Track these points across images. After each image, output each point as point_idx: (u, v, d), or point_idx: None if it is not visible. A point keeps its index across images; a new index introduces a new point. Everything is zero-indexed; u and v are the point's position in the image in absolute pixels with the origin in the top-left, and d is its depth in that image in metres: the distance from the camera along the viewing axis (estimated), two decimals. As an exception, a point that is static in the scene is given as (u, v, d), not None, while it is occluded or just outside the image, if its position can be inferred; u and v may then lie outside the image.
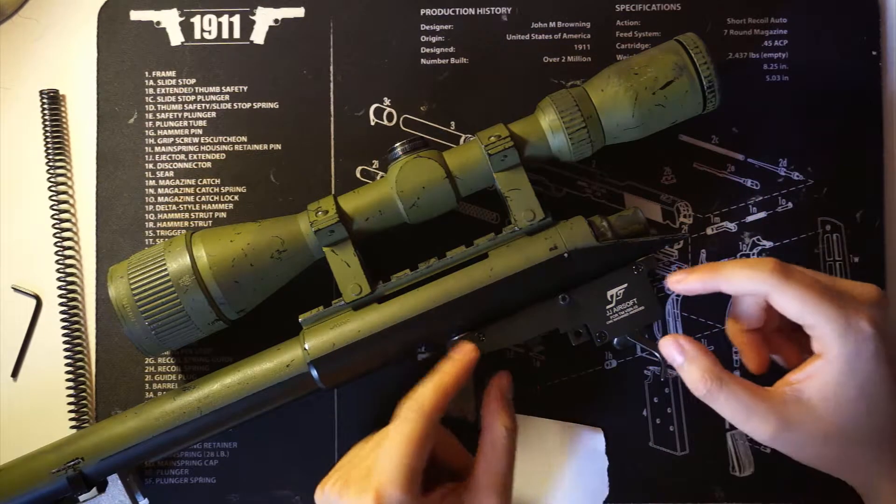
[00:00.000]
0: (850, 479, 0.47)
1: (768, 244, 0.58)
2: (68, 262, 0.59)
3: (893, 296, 0.58)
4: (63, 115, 0.60)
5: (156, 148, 0.59)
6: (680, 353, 0.47)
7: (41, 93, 0.60)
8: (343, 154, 0.59)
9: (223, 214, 0.59)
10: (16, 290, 0.60)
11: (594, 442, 0.57)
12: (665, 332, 0.58)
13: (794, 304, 0.44)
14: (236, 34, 0.60)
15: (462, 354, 0.49)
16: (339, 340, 0.51)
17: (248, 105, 0.60)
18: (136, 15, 0.60)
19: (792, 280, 0.44)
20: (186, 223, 0.59)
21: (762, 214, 0.58)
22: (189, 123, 0.60)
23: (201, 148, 0.59)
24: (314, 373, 0.51)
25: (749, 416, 0.45)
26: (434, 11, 0.59)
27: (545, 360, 0.58)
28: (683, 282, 0.49)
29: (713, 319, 0.58)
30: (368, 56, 0.59)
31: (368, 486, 0.45)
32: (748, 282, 0.46)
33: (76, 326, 0.59)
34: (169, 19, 0.60)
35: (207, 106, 0.60)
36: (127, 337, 0.52)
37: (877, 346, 0.43)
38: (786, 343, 0.51)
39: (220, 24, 0.60)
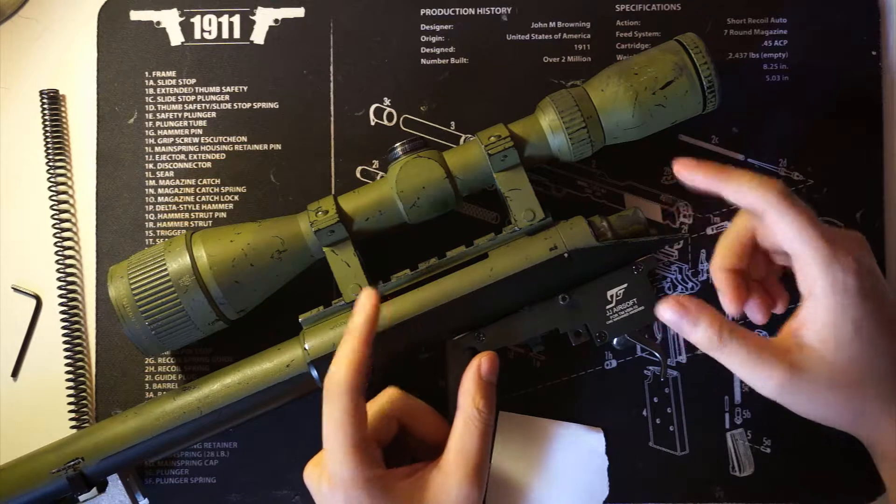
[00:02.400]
0: (857, 428, 0.46)
1: (768, 244, 0.58)
2: (68, 262, 0.59)
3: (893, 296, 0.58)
4: (63, 115, 0.60)
5: (156, 148, 0.59)
6: (682, 314, 0.46)
7: (41, 93, 0.60)
8: (343, 154, 0.59)
9: (223, 214, 0.59)
10: (16, 290, 0.60)
11: (594, 442, 0.57)
12: (665, 332, 0.58)
13: (786, 225, 0.44)
14: (236, 34, 0.60)
15: (363, 301, 0.48)
16: (339, 340, 0.50)
17: (248, 105, 0.60)
18: (136, 15, 0.60)
19: (793, 205, 0.44)
20: (186, 223, 0.59)
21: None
22: (189, 123, 0.60)
23: (201, 148, 0.59)
24: (314, 373, 0.51)
25: (756, 366, 0.44)
26: (434, 11, 0.59)
27: (545, 360, 0.58)
28: (690, 168, 0.47)
29: (713, 319, 0.58)
30: (368, 56, 0.59)
31: (324, 470, 0.47)
32: (752, 192, 0.45)
33: (76, 326, 0.59)
34: (169, 19, 0.60)
35: (207, 106, 0.60)
36: (127, 337, 0.52)
37: (861, 282, 0.43)
38: (764, 295, 0.51)
39: (220, 24, 0.60)
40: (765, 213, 0.45)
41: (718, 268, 0.50)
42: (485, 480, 0.48)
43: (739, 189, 0.45)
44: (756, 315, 0.50)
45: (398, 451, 0.51)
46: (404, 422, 0.51)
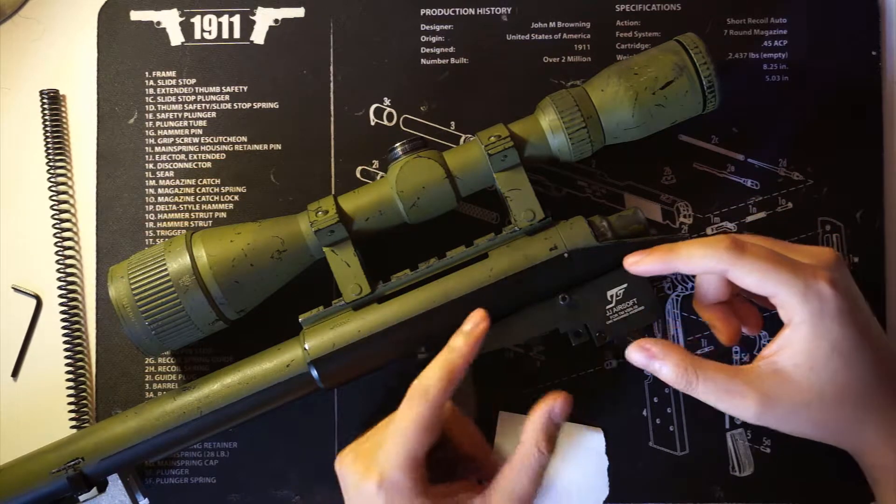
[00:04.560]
0: (841, 441, 0.47)
1: (768, 244, 0.58)
2: (68, 262, 0.59)
3: (893, 296, 0.58)
4: (63, 115, 0.60)
5: (156, 148, 0.59)
6: (649, 357, 0.47)
7: (41, 93, 0.60)
8: (343, 154, 0.59)
9: (223, 214, 0.59)
10: (16, 290, 0.60)
11: (594, 442, 0.57)
12: (665, 332, 0.58)
13: (751, 277, 0.45)
14: (236, 34, 0.60)
15: (473, 325, 0.49)
16: (339, 340, 0.51)
17: (248, 105, 0.60)
18: (136, 15, 0.60)
19: (747, 254, 0.44)
20: (186, 223, 0.59)
21: (762, 214, 0.58)
22: (189, 123, 0.60)
23: (201, 148, 0.59)
24: (314, 373, 0.51)
25: (730, 397, 0.45)
26: (434, 11, 0.59)
27: (545, 360, 0.58)
28: (640, 263, 0.48)
29: (713, 319, 0.58)
30: (368, 56, 0.59)
31: (372, 466, 0.46)
32: (704, 260, 0.46)
33: (76, 326, 0.59)
34: (169, 19, 0.60)
35: (207, 106, 0.60)
36: (127, 337, 0.52)
37: (839, 304, 0.44)
38: (752, 310, 0.52)
39: (220, 24, 0.60)
40: (726, 273, 0.45)
41: (702, 306, 0.51)
42: None
43: (690, 260, 0.46)
44: (750, 332, 0.52)
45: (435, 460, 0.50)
46: (445, 430, 0.50)
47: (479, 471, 0.50)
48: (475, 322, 0.49)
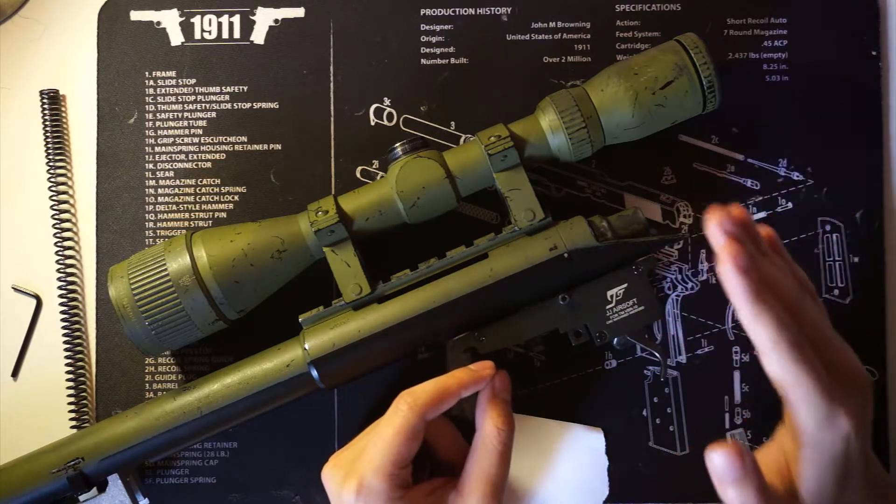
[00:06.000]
0: None
1: (768, 244, 0.58)
2: (68, 262, 0.59)
3: (893, 296, 0.58)
4: (63, 115, 0.60)
5: (156, 148, 0.59)
6: (738, 470, 0.41)
7: (41, 93, 0.60)
8: (343, 154, 0.59)
9: (223, 214, 0.59)
10: (16, 290, 0.60)
11: (594, 442, 0.57)
12: (665, 332, 0.58)
13: (785, 378, 0.40)
14: (236, 34, 0.60)
15: (480, 367, 0.49)
16: (339, 340, 0.51)
17: (248, 105, 0.60)
18: (136, 15, 0.60)
19: (800, 361, 0.40)
20: (186, 223, 0.59)
21: (762, 214, 0.58)
22: (189, 123, 0.60)
23: (201, 148, 0.59)
24: (314, 373, 0.51)
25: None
26: (434, 11, 0.59)
27: (545, 360, 0.58)
28: (739, 269, 0.40)
29: (713, 319, 0.58)
30: (368, 56, 0.59)
31: (353, 472, 0.47)
32: (762, 332, 0.40)
33: (76, 326, 0.59)
34: (169, 19, 0.60)
35: (207, 106, 0.60)
36: (127, 337, 0.52)
37: (848, 446, 0.41)
38: None
39: (220, 24, 0.60)
40: (763, 357, 0.41)
41: None
42: (501, 499, 0.48)
43: (758, 323, 0.40)
44: None
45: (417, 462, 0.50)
46: (426, 436, 0.50)
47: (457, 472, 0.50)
48: (484, 366, 0.49)
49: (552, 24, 0.59)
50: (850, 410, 0.41)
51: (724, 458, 0.40)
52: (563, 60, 0.59)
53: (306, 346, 0.51)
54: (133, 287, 0.50)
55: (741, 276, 0.40)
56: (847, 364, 0.44)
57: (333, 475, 0.48)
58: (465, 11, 0.59)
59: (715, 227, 0.41)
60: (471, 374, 0.48)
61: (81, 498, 0.52)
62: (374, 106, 0.59)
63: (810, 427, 0.41)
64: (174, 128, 0.60)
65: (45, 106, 0.60)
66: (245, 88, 0.60)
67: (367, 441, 0.47)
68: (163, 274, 0.50)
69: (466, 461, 0.48)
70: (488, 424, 0.48)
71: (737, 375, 0.58)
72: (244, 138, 0.59)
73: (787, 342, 0.40)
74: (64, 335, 0.59)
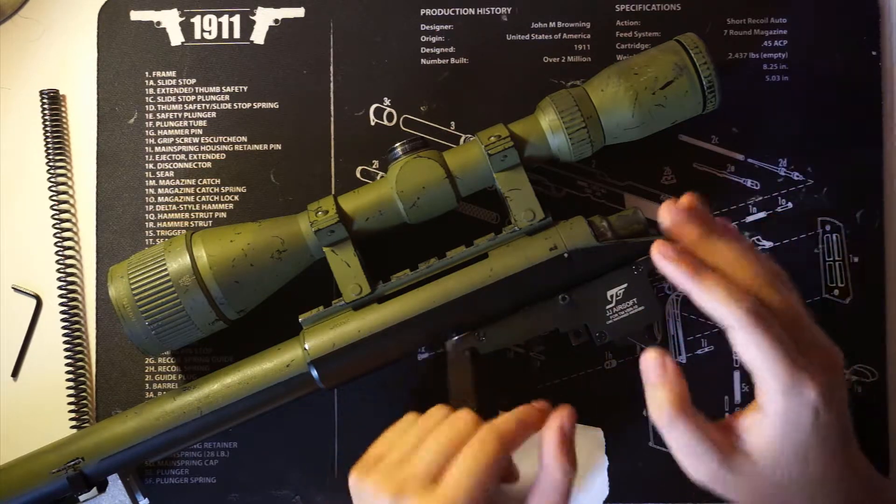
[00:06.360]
0: None
1: (768, 244, 0.58)
2: (68, 262, 0.59)
3: (893, 296, 0.58)
4: (63, 115, 0.60)
5: (156, 148, 0.59)
6: (659, 374, 0.44)
7: (41, 93, 0.60)
8: (343, 154, 0.59)
9: (223, 214, 0.59)
10: (16, 290, 0.60)
11: (594, 442, 0.57)
12: (665, 332, 0.58)
13: (750, 351, 0.42)
14: (236, 34, 0.60)
15: (562, 415, 0.47)
16: (339, 340, 0.51)
17: (248, 105, 0.60)
18: (136, 15, 0.60)
19: (759, 331, 0.41)
20: (186, 223, 0.59)
21: (762, 214, 0.58)
22: (189, 123, 0.60)
23: (201, 148, 0.59)
24: (314, 373, 0.51)
25: (692, 454, 0.43)
26: (434, 11, 0.59)
27: (545, 360, 0.58)
28: (667, 262, 0.44)
29: (713, 319, 0.58)
30: (368, 56, 0.59)
31: (435, 499, 0.43)
32: (722, 307, 0.42)
33: (76, 326, 0.59)
34: (169, 19, 0.60)
35: (207, 106, 0.60)
36: (127, 337, 0.52)
37: (817, 417, 0.41)
38: None
39: (220, 24, 0.60)
40: (730, 330, 0.43)
41: None
42: None
43: (710, 298, 0.43)
44: None
45: None
46: None
47: None
48: (565, 416, 0.47)
49: (552, 24, 0.59)
50: (819, 382, 0.41)
51: (647, 362, 0.44)
52: (563, 60, 0.59)
53: (306, 346, 0.51)
54: (133, 287, 0.50)
55: (670, 262, 0.44)
56: (818, 342, 0.44)
57: (400, 499, 0.43)
58: (465, 11, 0.59)
59: (663, 219, 0.46)
60: (550, 419, 0.47)
61: (81, 498, 0.52)
62: (374, 106, 0.59)
63: (773, 394, 0.42)
64: (174, 128, 0.60)
65: (45, 106, 0.60)
66: (245, 88, 0.60)
67: (452, 471, 0.44)
68: (163, 274, 0.50)
69: (531, 497, 0.46)
70: (558, 465, 0.46)
71: (737, 375, 0.58)
72: (244, 138, 0.59)
73: (744, 311, 0.41)
74: (64, 335, 0.59)
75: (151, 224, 0.59)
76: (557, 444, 0.46)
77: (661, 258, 0.45)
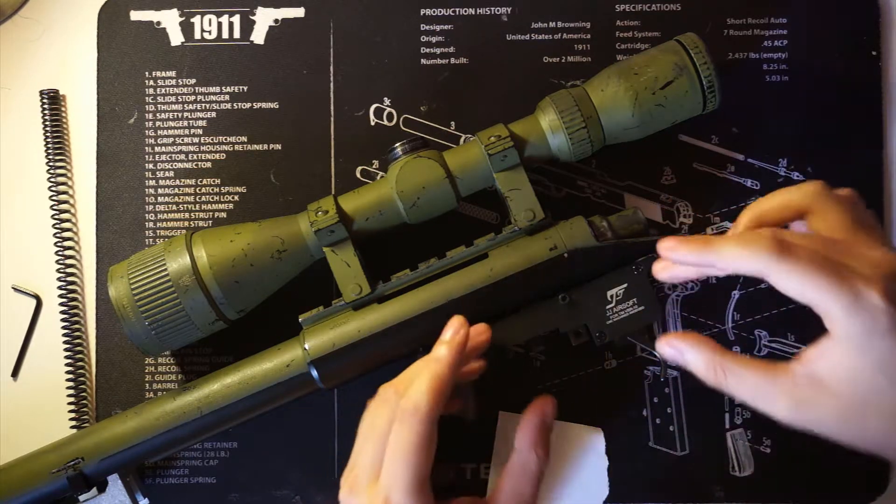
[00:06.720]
0: (879, 451, 0.43)
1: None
2: (68, 262, 0.59)
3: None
4: (63, 115, 0.60)
5: (156, 148, 0.59)
6: (678, 353, 0.44)
7: (41, 93, 0.60)
8: (343, 154, 0.59)
9: (223, 214, 0.59)
10: (16, 290, 0.60)
11: (594, 442, 0.57)
12: (665, 333, 0.58)
13: (792, 282, 0.40)
14: (236, 34, 0.60)
15: (454, 332, 0.46)
16: (339, 340, 0.51)
17: (248, 105, 0.60)
18: (136, 15, 0.60)
19: (790, 256, 0.40)
20: (186, 223, 0.59)
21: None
22: (189, 123, 0.60)
23: (201, 148, 0.59)
24: (314, 373, 0.51)
25: (760, 397, 0.42)
26: (434, 11, 0.59)
27: (545, 360, 0.58)
28: (675, 250, 0.44)
29: (713, 319, 0.58)
30: (368, 56, 0.59)
31: (377, 495, 0.44)
32: (741, 262, 0.41)
33: (76, 326, 0.59)
34: (169, 19, 0.60)
35: (207, 106, 0.60)
36: (127, 337, 0.52)
37: (890, 319, 0.39)
38: None
39: (220, 24, 0.60)
40: (766, 276, 0.41)
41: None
42: None
43: (726, 258, 0.42)
44: None
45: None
46: None
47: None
48: (455, 329, 0.47)
49: (552, 24, 0.59)
50: (880, 285, 0.39)
51: (665, 349, 0.44)
52: (563, 60, 0.59)
53: (306, 346, 0.51)
54: (133, 287, 0.50)
55: (679, 245, 0.43)
56: (865, 251, 0.41)
57: (352, 501, 0.45)
58: (465, 11, 0.59)
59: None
60: (452, 348, 0.46)
61: (81, 498, 0.52)
62: (374, 106, 0.59)
63: (835, 314, 0.39)
64: (174, 128, 0.60)
65: (45, 106, 0.60)
66: (245, 88, 0.60)
67: (385, 462, 0.44)
68: (163, 274, 0.50)
69: (502, 481, 0.47)
70: (529, 448, 0.46)
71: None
72: (244, 138, 0.59)
73: (765, 248, 0.40)
74: (64, 335, 0.59)
75: (151, 224, 0.59)
76: (532, 429, 0.47)
77: (669, 249, 0.44)
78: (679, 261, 0.45)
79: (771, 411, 0.42)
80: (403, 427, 0.44)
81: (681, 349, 0.44)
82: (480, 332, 0.49)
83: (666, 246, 0.44)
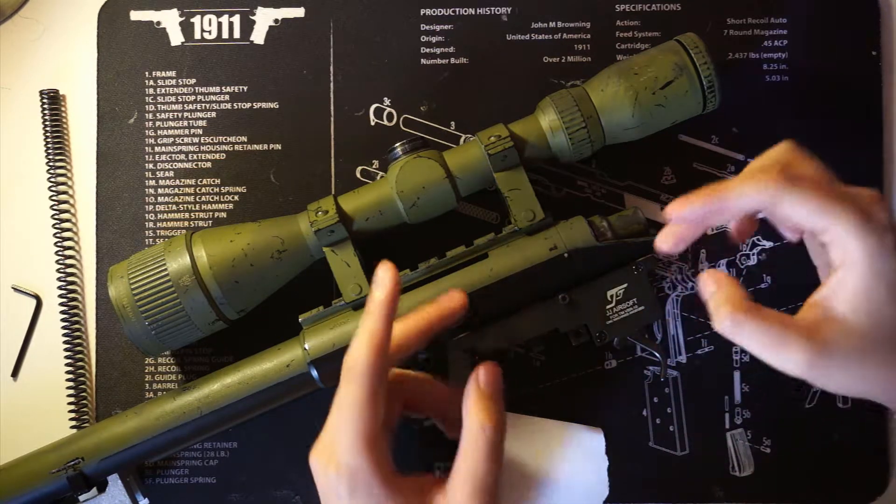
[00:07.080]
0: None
1: (768, 244, 0.58)
2: (68, 262, 0.59)
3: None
4: (63, 115, 0.60)
5: (156, 148, 0.59)
6: (712, 283, 0.42)
7: (41, 93, 0.60)
8: (343, 154, 0.59)
9: (223, 214, 0.59)
10: (16, 290, 0.60)
11: (594, 442, 0.57)
12: (665, 332, 0.58)
13: (803, 209, 0.40)
14: (236, 34, 0.60)
15: (380, 279, 0.45)
16: (339, 340, 0.51)
17: (248, 105, 0.60)
18: (136, 15, 0.60)
19: (798, 184, 0.40)
20: (186, 223, 0.59)
21: (762, 214, 0.58)
22: (189, 123, 0.60)
23: (201, 148, 0.59)
24: (314, 373, 0.51)
25: (781, 346, 0.40)
26: (434, 11, 0.59)
27: (545, 360, 0.58)
28: (683, 207, 0.43)
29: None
30: (368, 56, 0.59)
31: (330, 459, 0.44)
32: (751, 196, 0.41)
33: (76, 326, 0.59)
34: (169, 19, 0.60)
35: (207, 106, 0.60)
36: (127, 337, 0.52)
37: None
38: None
39: (220, 24, 0.60)
40: (775, 207, 0.41)
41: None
42: (496, 501, 0.45)
43: (741, 196, 0.41)
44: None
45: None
46: (410, 401, 0.48)
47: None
48: (377, 282, 0.45)
49: (552, 24, 0.59)
50: (885, 209, 0.40)
51: (703, 280, 0.43)
52: (563, 60, 0.59)
53: (306, 346, 0.51)
54: (133, 287, 0.50)
55: (685, 203, 0.42)
56: (854, 189, 0.42)
57: (315, 461, 0.45)
58: (465, 11, 0.59)
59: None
60: (383, 294, 0.44)
61: (81, 498, 0.52)
62: (374, 106, 0.59)
63: (851, 240, 0.39)
64: (174, 128, 0.60)
65: (45, 106, 0.60)
66: (245, 88, 0.60)
67: (331, 426, 0.45)
68: (163, 274, 0.50)
69: (455, 463, 0.45)
70: (473, 422, 0.45)
71: (737, 375, 0.58)
72: (244, 138, 0.59)
73: (773, 179, 0.40)
74: (64, 335, 0.59)
75: (151, 224, 0.59)
76: (475, 401, 0.45)
77: (678, 209, 0.43)
78: (688, 218, 0.43)
79: (791, 360, 0.40)
80: (345, 385, 0.44)
81: (717, 278, 0.42)
82: (453, 298, 0.49)
83: (674, 208, 0.43)
